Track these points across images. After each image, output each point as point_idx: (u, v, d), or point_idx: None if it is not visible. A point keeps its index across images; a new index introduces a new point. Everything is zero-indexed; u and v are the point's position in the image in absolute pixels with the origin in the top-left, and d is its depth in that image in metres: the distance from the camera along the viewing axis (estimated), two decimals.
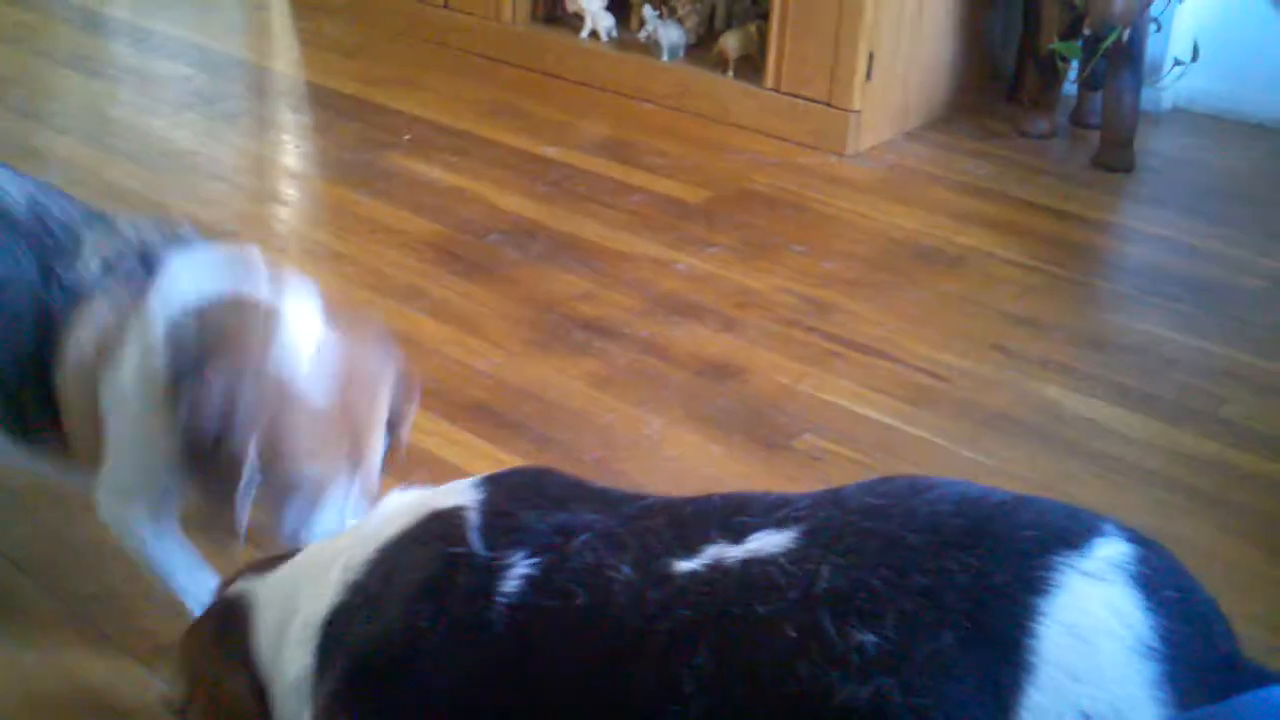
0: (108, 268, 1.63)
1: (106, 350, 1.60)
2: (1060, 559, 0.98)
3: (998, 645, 0.94)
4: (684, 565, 1.03)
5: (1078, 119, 3.87)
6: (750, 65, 3.84)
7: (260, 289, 1.60)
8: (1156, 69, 3.82)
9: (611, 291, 2.83)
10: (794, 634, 0.96)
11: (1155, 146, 3.74)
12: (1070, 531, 1.01)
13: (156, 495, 1.69)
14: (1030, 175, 3.55)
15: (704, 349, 2.62)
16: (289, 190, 3.45)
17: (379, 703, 1.09)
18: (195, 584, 1.74)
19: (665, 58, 3.97)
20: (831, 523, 1.04)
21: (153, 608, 1.84)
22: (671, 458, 2.28)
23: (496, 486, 1.20)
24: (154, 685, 1.72)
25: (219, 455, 1.48)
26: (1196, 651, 0.99)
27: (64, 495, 1.99)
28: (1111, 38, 3.47)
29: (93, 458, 1.66)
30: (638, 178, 3.44)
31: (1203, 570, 2.04)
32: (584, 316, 2.73)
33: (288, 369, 1.52)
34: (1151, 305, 2.88)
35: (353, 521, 1.49)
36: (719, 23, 4.10)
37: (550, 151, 3.58)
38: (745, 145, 3.69)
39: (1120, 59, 3.52)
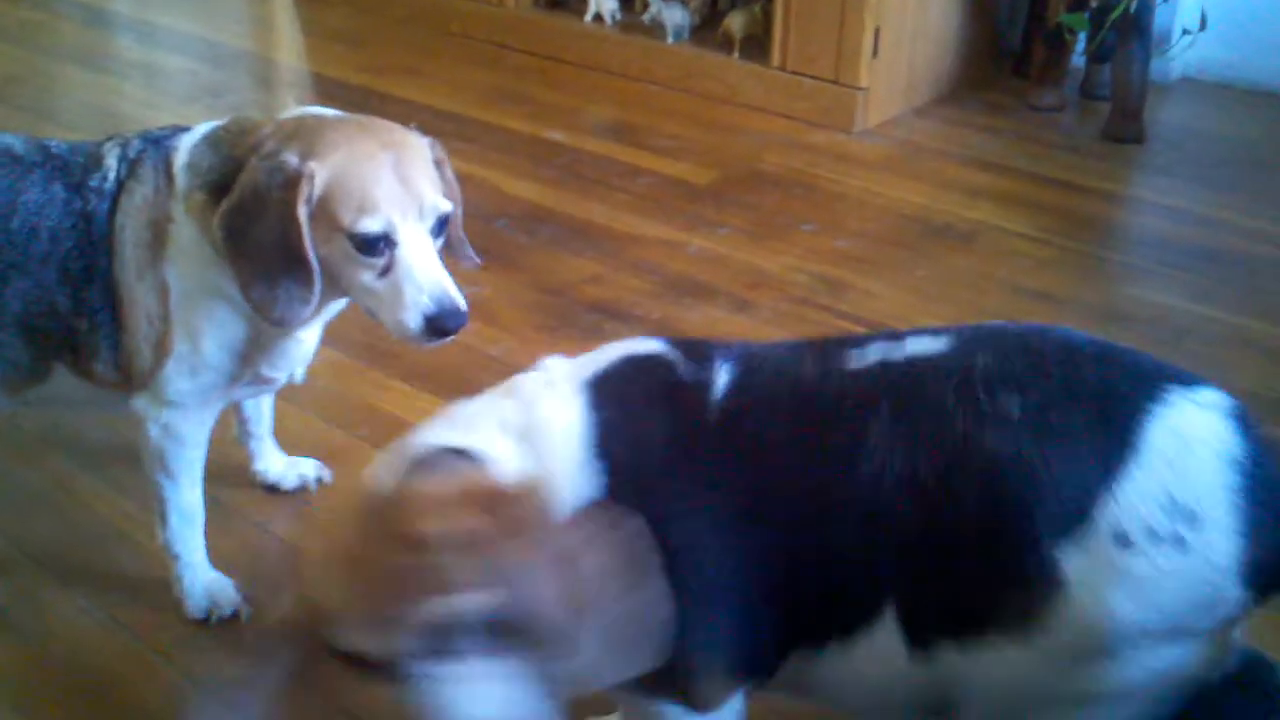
0: (126, 159, 1.69)
1: (159, 224, 1.66)
2: (1175, 385, 1.19)
3: (1115, 430, 1.15)
4: (856, 363, 1.26)
5: (1086, 91, 3.85)
6: (756, 45, 3.83)
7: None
8: (1164, 39, 3.79)
9: (622, 274, 2.83)
10: (954, 400, 1.19)
11: (1165, 117, 3.72)
12: (1186, 376, 1.22)
13: (220, 387, 1.74)
14: (1040, 148, 3.53)
15: (716, 330, 2.62)
16: None
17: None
18: (193, 537, 1.81)
19: (670, 39, 3.96)
20: (979, 333, 1.27)
21: (164, 590, 1.85)
22: None
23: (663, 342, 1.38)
24: (168, 671, 1.73)
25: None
26: (1273, 481, 1.16)
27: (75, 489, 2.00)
28: (1119, 9, 3.45)
29: (156, 354, 1.69)
30: (645, 160, 3.43)
31: None
32: (594, 300, 2.72)
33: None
34: (1163, 276, 2.87)
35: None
36: (723, 3, 4.09)
37: (557, 136, 3.58)
38: (753, 125, 3.68)
39: (1128, 30, 3.50)
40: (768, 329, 2.62)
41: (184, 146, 1.68)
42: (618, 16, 4.11)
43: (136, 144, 1.71)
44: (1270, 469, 1.16)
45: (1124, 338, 2.56)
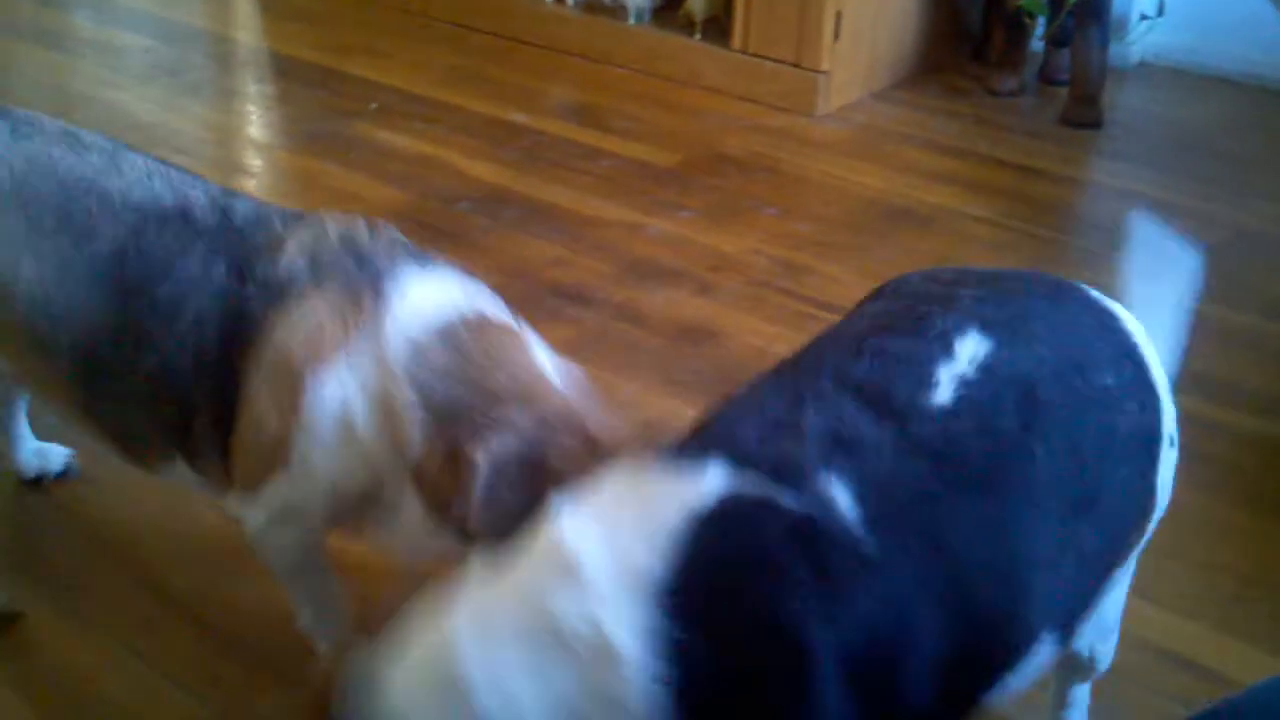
0: (316, 266, 1.44)
1: (320, 356, 1.40)
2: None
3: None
4: (939, 398, 1.07)
5: (1045, 76, 3.88)
6: (717, 27, 3.83)
7: (495, 306, 1.44)
8: (1123, 24, 3.83)
9: (583, 257, 2.83)
10: (1055, 385, 1.12)
11: (1122, 101, 3.76)
12: None
13: (325, 519, 1.52)
14: (999, 133, 3.56)
15: (678, 313, 2.63)
16: (254, 161, 3.42)
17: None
18: (331, 622, 1.62)
19: (632, 21, 3.95)
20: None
21: (129, 584, 1.84)
22: (647, 422, 2.29)
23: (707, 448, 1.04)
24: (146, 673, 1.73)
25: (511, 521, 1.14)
26: None
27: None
28: None
29: (263, 467, 1.46)
30: (608, 142, 3.43)
31: (1173, 521, 2.07)
32: (556, 282, 2.72)
33: (569, 407, 1.36)
34: (1120, 260, 2.90)
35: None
36: None
37: (519, 118, 3.57)
38: (715, 108, 3.68)
39: (1086, 14, 3.53)
40: (729, 312, 2.63)
41: (408, 330, 1.38)
42: None
43: (337, 251, 1.45)
44: None
45: None
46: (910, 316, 1.15)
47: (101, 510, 2.01)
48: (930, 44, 3.97)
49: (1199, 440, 2.25)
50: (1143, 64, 4.03)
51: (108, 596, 1.84)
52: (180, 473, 1.56)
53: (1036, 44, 3.88)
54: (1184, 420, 2.28)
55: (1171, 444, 1.25)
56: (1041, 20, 3.74)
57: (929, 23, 3.94)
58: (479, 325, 1.41)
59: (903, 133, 3.56)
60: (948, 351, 1.09)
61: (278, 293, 1.43)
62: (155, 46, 4.08)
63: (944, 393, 1.05)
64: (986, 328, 1.12)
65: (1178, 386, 2.44)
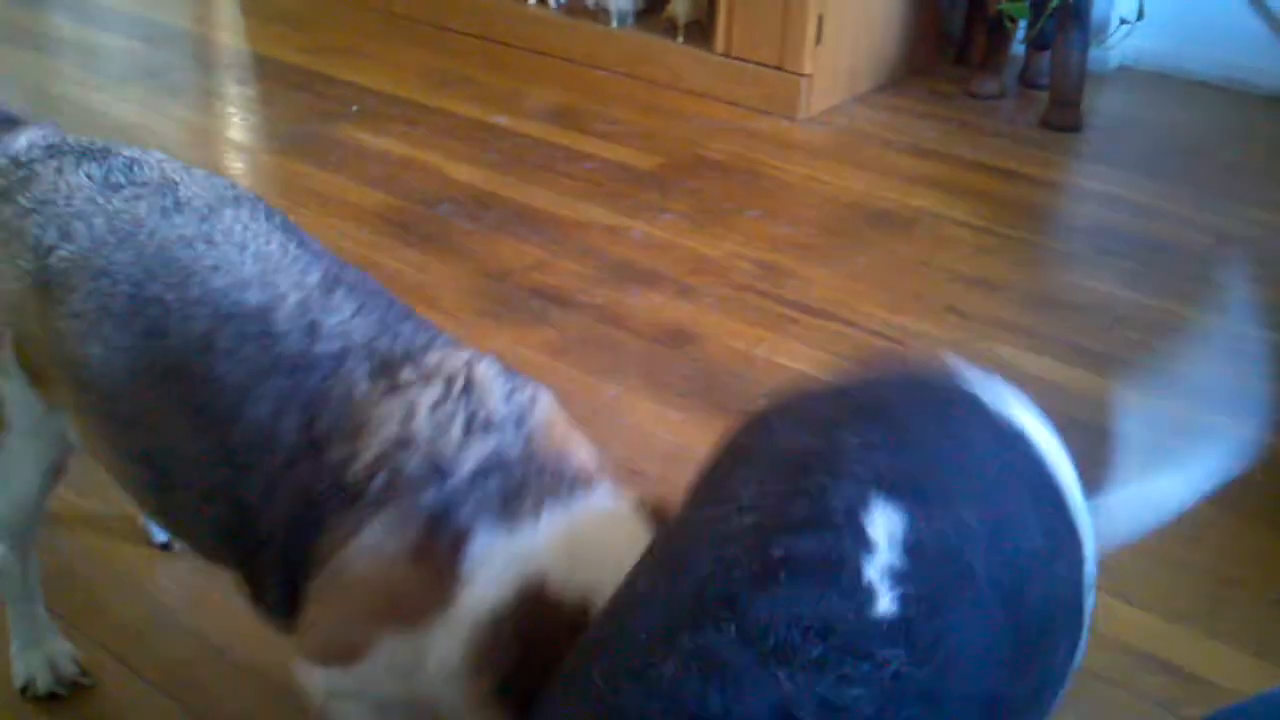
0: (394, 485, 1.19)
1: (384, 618, 1.20)
2: None
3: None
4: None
5: (1026, 79, 3.89)
6: (700, 30, 3.83)
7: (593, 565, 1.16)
8: (1103, 28, 3.84)
9: (565, 260, 2.83)
10: (991, 563, 0.96)
11: (1103, 105, 3.77)
12: None
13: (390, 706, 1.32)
14: (980, 136, 3.57)
15: (659, 316, 2.62)
16: (236, 163, 3.41)
17: None
18: None
19: (614, 24, 3.95)
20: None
21: (113, 588, 1.83)
22: (630, 425, 2.29)
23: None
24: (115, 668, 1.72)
25: None
26: None
27: None
28: None
29: (324, 655, 1.29)
30: (589, 145, 3.42)
31: None
32: (538, 285, 2.72)
33: None
34: (1100, 264, 2.92)
35: None
36: None
37: (501, 120, 3.56)
38: (697, 111, 3.68)
39: (1067, 19, 3.54)
40: (710, 314, 2.63)
41: (482, 608, 1.16)
42: (562, 0, 4.09)
43: (423, 470, 1.19)
44: None
45: (1060, 324, 2.62)
46: (800, 495, 0.93)
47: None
48: (912, 47, 3.98)
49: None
50: (1122, 68, 4.04)
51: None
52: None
53: (1017, 47, 3.89)
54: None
55: (1090, 589, 1.09)
56: (1022, 24, 3.75)
57: (910, 26, 3.95)
58: (552, 607, 1.15)
59: (884, 136, 3.57)
60: (863, 541, 0.89)
61: (348, 498, 1.20)
62: (135, 47, 4.06)
63: (884, 599, 0.86)
64: (892, 492, 0.92)
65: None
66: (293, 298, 1.29)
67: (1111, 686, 1.70)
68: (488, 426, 1.22)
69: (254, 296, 1.28)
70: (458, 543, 1.16)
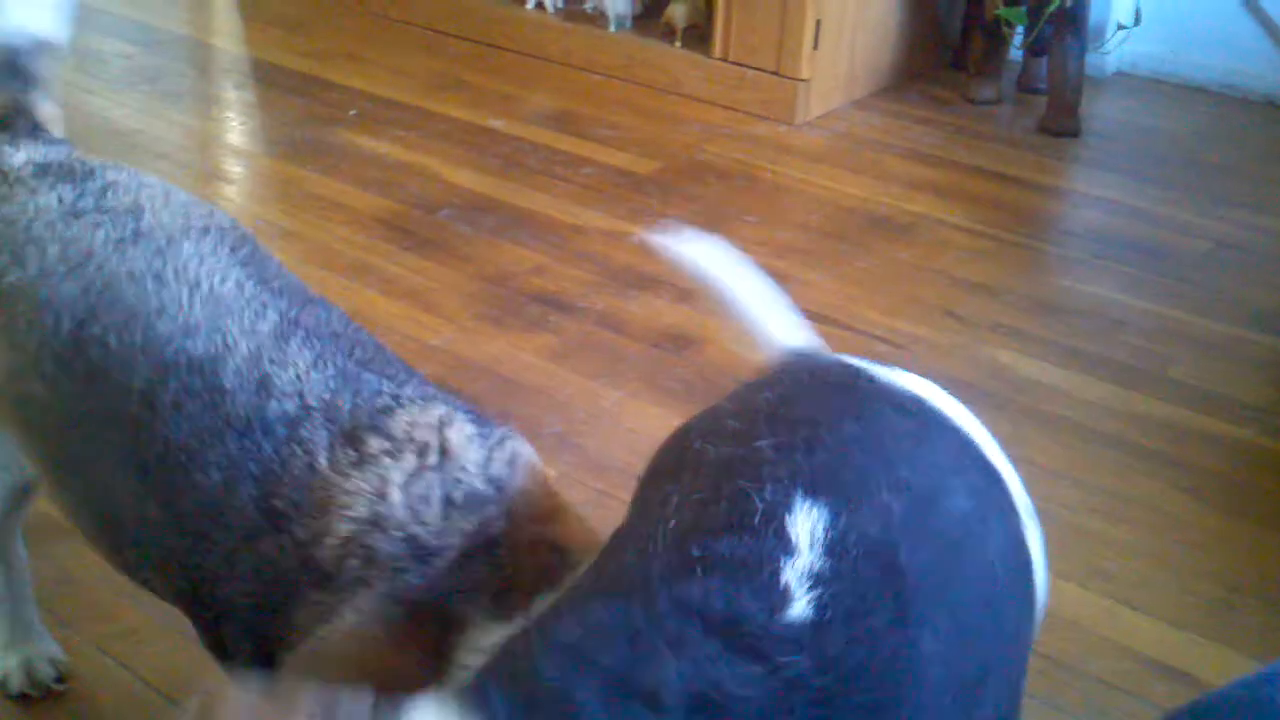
0: (367, 555, 1.08)
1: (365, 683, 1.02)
2: None
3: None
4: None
5: (1023, 85, 3.89)
6: (698, 35, 3.83)
7: None
8: (1100, 33, 3.85)
9: (565, 265, 2.83)
10: (914, 539, 0.94)
11: (1100, 110, 3.78)
12: None
13: None
14: (977, 141, 3.57)
15: (660, 320, 2.62)
16: (235, 168, 3.41)
17: None
18: None
19: (612, 28, 3.95)
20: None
21: (112, 592, 1.82)
22: (631, 430, 2.28)
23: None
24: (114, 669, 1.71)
25: None
26: None
27: None
28: (1055, 3, 3.50)
29: None
30: (588, 150, 3.42)
31: (1156, 527, 2.09)
32: (538, 290, 2.72)
33: None
34: (1099, 268, 2.92)
35: None
36: None
37: (499, 125, 3.56)
38: (695, 116, 3.68)
39: (1064, 24, 3.55)
40: (710, 319, 2.62)
41: None
42: (560, 4, 4.09)
43: (393, 556, 1.08)
44: None
45: (1058, 328, 2.62)
46: (723, 500, 0.94)
47: None
48: (909, 52, 3.98)
49: (1183, 449, 2.27)
50: (1119, 73, 4.05)
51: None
52: None
53: (1015, 53, 3.90)
54: (1168, 430, 2.31)
55: (1032, 516, 1.08)
56: (1020, 29, 3.75)
57: (908, 31, 3.96)
58: None
59: (882, 141, 3.57)
60: (784, 542, 0.88)
61: (320, 577, 1.09)
62: (133, 52, 4.05)
63: (800, 603, 0.85)
64: (811, 491, 0.92)
65: (1161, 397, 2.46)
66: (244, 347, 1.19)
67: (1118, 693, 1.70)
68: (469, 503, 1.11)
69: (201, 346, 1.19)
70: (447, 631, 1.06)
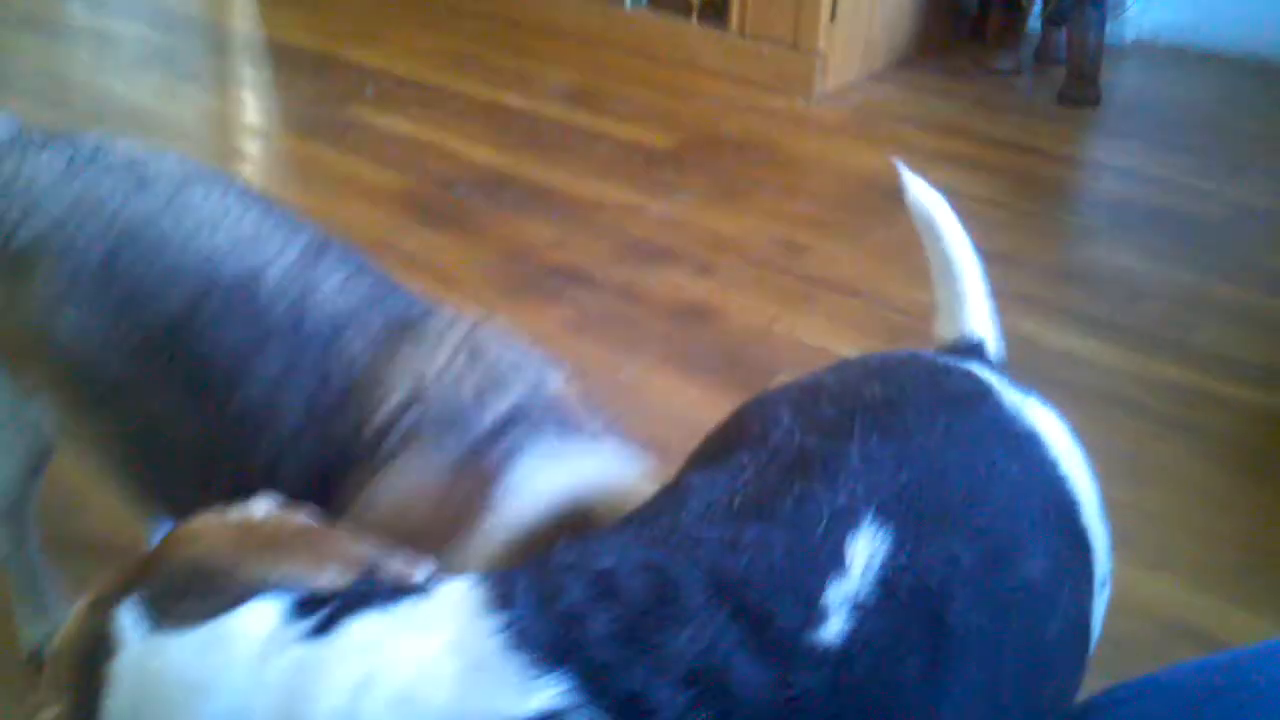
0: (406, 431, 1.15)
1: (403, 533, 1.09)
2: None
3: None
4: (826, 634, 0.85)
5: (1042, 55, 3.87)
6: (714, 9, 3.81)
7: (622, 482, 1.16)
8: (1119, 2, 3.82)
9: (583, 239, 2.83)
10: (971, 601, 0.91)
11: (1120, 80, 3.75)
12: None
13: None
14: (997, 112, 3.55)
15: (678, 293, 2.62)
16: (252, 147, 3.42)
17: None
18: None
19: (628, 4, 3.94)
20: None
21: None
22: (649, 402, 2.29)
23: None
24: None
25: None
26: None
27: None
28: None
29: None
30: (605, 125, 3.42)
31: (1177, 492, 2.08)
32: (556, 264, 2.72)
33: None
34: (1120, 237, 2.90)
35: None
36: None
37: (516, 101, 3.56)
38: (712, 90, 3.67)
39: None
40: (729, 291, 2.63)
41: (517, 514, 1.12)
42: None
43: (449, 401, 1.16)
44: None
45: (1080, 298, 2.61)
46: (788, 494, 0.91)
47: None
48: (927, 24, 3.96)
49: (1203, 415, 2.26)
50: (1139, 42, 4.02)
51: None
52: None
53: (1034, 23, 3.87)
54: (1189, 396, 2.30)
55: (1104, 585, 1.03)
56: None
57: (925, 2, 3.93)
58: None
59: (900, 112, 3.56)
60: (838, 560, 0.85)
61: (363, 456, 1.14)
62: (149, 34, 4.06)
63: (834, 626, 0.82)
64: (883, 513, 0.88)
65: (1182, 364, 2.45)
66: (277, 267, 1.23)
67: (1139, 655, 1.70)
68: (503, 386, 1.17)
69: (235, 266, 1.23)
70: (487, 476, 1.11)
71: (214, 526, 0.90)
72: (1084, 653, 0.99)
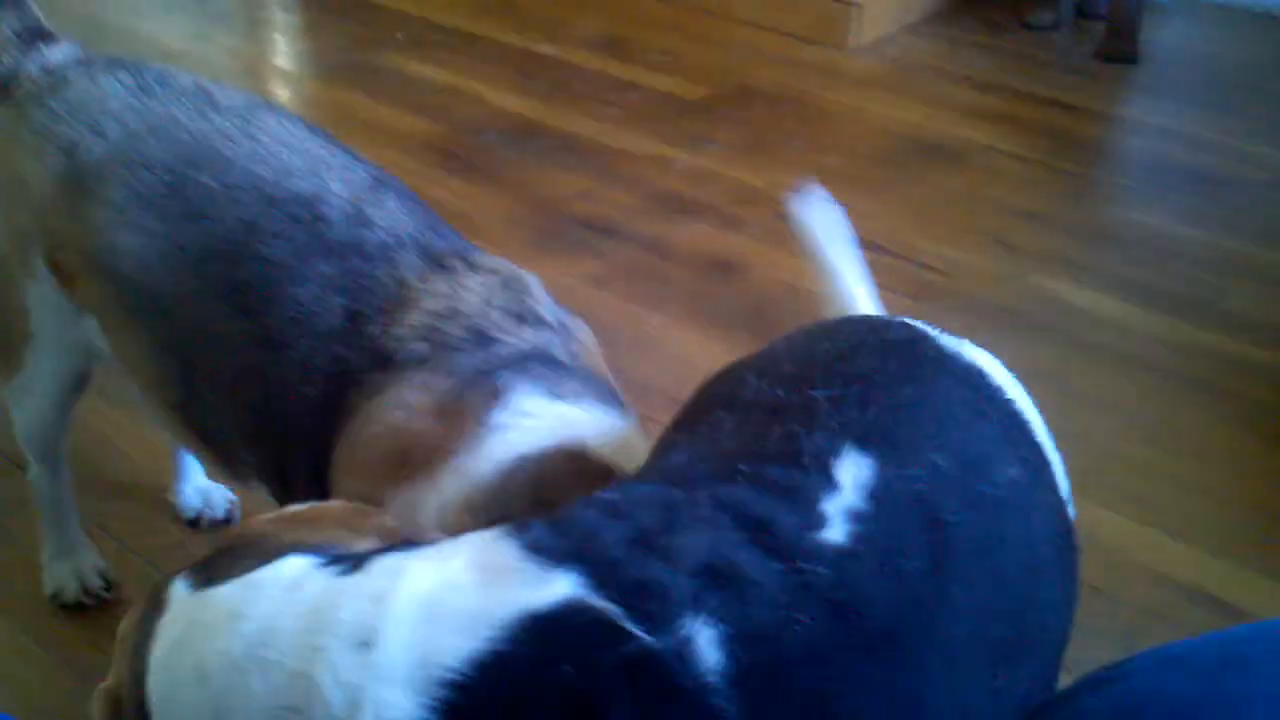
0: (432, 337, 1.18)
1: (406, 459, 1.16)
2: None
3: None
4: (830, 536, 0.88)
5: (1082, 10, 3.81)
6: None
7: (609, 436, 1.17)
8: None
9: (611, 190, 2.81)
10: (960, 499, 0.94)
11: (1160, 37, 3.69)
12: None
13: None
14: (1034, 68, 3.50)
15: (705, 246, 2.61)
16: (282, 91, 3.41)
17: None
18: None
19: None
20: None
21: (162, 509, 1.86)
22: (673, 355, 2.28)
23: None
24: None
25: None
26: None
27: None
28: None
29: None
30: (635, 74, 3.39)
31: (1202, 457, 2.07)
32: (584, 215, 2.71)
33: None
34: (1155, 198, 2.87)
35: None
36: None
37: (546, 49, 3.53)
38: (745, 39, 3.63)
39: None
40: (756, 245, 2.61)
41: (503, 452, 1.13)
42: None
43: (462, 340, 1.19)
44: None
45: (1113, 259, 2.58)
46: (773, 437, 0.95)
47: None
48: None
49: (1233, 380, 2.24)
50: None
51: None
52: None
53: None
54: (1220, 361, 2.27)
55: (1068, 503, 1.07)
56: None
57: None
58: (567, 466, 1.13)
59: (936, 66, 3.51)
60: (829, 480, 0.89)
61: (380, 362, 1.19)
62: None
63: (836, 530, 0.85)
64: (862, 442, 0.92)
65: (1213, 327, 2.43)
66: (341, 190, 1.28)
67: (1156, 620, 1.70)
68: (537, 322, 1.22)
69: (301, 185, 1.28)
70: (491, 397, 1.13)
71: (260, 518, 0.97)
72: (1074, 559, 1.02)
